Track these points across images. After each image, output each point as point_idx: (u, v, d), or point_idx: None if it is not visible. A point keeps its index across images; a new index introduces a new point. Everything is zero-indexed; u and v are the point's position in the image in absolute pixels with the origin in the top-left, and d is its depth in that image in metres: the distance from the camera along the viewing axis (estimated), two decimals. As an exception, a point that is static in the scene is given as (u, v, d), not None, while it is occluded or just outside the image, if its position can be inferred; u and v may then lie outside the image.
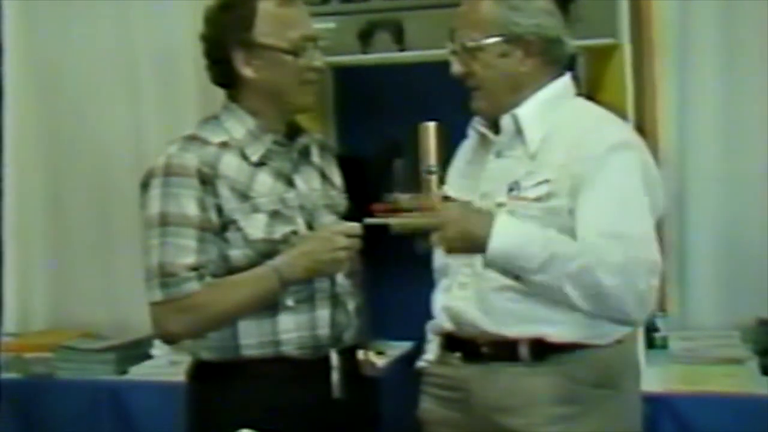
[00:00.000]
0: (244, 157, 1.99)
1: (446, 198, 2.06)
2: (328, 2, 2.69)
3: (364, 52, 2.86)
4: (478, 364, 1.93)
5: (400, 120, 2.88)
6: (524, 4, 1.90)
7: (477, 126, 2.03)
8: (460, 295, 1.96)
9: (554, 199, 1.84)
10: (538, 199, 1.85)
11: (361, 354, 2.11)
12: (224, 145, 1.99)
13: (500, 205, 1.88)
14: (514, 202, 1.87)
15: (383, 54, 2.84)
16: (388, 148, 2.95)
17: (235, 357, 1.98)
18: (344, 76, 2.91)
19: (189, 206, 1.92)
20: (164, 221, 1.93)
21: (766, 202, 2.79)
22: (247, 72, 1.99)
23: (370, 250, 2.04)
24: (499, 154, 1.96)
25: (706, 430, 2.40)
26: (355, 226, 1.98)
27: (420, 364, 2.10)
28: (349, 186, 2.20)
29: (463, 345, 1.96)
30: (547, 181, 1.85)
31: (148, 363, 2.97)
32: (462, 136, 2.11)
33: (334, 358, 2.03)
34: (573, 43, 1.98)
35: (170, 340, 2.08)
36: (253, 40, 1.97)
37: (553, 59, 1.94)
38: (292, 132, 2.08)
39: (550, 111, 1.92)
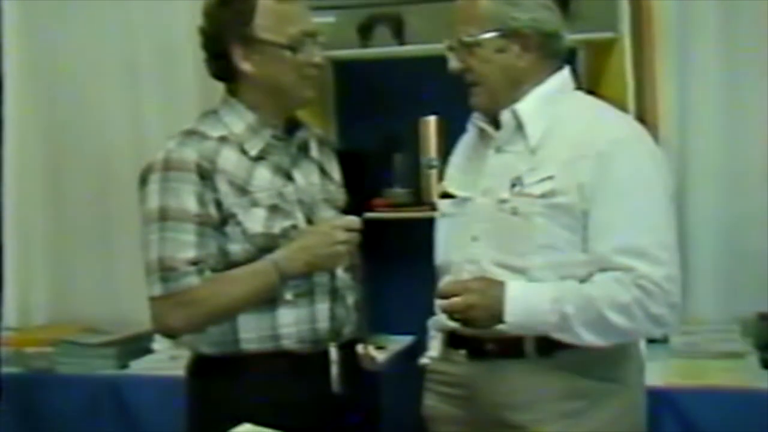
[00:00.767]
0: (243, 151, 1.98)
1: (446, 195, 2.05)
2: (327, -5, 2.68)
3: (364, 46, 2.87)
4: (483, 361, 1.93)
5: (400, 114, 2.89)
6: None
7: (476, 121, 2.01)
8: None
9: (560, 197, 1.82)
10: (542, 196, 1.83)
11: (360, 348, 2.11)
12: (223, 139, 1.98)
13: (503, 201, 1.88)
14: (517, 198, 1.86)
15: (383, 48, 2.85)
16: (388, 142, 2.95)
17: (235, 351, 1.98)
18: (344, 70, 2.90)
19: (188, 201, 1.92)
20: (163, 216, 1.92)
21: (766, 197, 2.79)
22: (246, 67, 1.98)
23: (369, 245, 2.04)
24: (499, 150, 1.95)
25: (707, 423, 2.40)
26: (354, 220, 1.97)
27: (423, 360, 2.10)
28: (348, 180, 2.19)
29: (468, 342, 1.95)
30: (550, 177, 1.84)
31: (148, 357, 2.97)
32: (462, 130, 2.10)
33: (334, 352, 2.02)
34: (572, 37, 1.98)
35: (170, 334, 2.08)
36: (252, 35, 1.96)
37: (551, 53, 1.93)
38: (291, 126, 2.07)
39: (550, 105, 1.91)
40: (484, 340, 1.90)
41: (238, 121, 2.01)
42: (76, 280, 3.32)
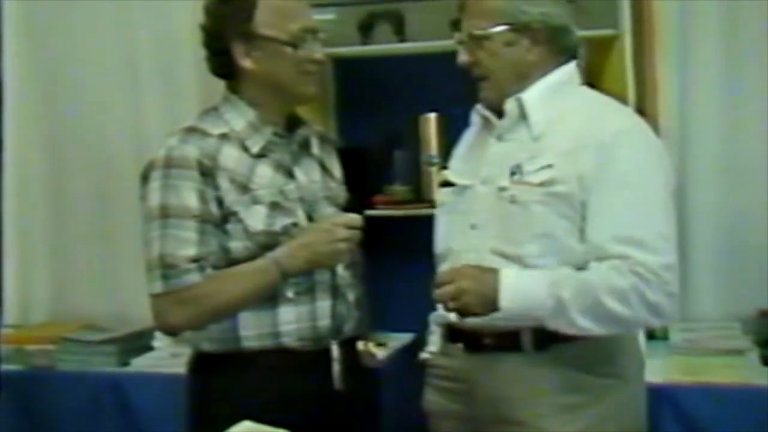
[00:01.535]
0: (245, 148, 1.98)
1: (446, 183, 2.05)
2: (328, -7, 2.68)
3: (365, 44, 2.86)
4: (480, 354, 1.92)
5: (401, 111, 2.88)
6: None
7: (480, 110, 2.01)
8: None
9: (558, 185, 1.82)
10: (541, 184, 1.83)
11: (361, 345, 2.10)
12: (224, 136, 1.98)
13: (502, 189, 1.87)
14: (516, 186, 1.86)
15: (383, 45, 2.84)
16: (388, 139, 2.94)
17: (236, 349, 1.98)
18: (344, 67, 2.90)
19: (189, 198, 1.91)
20: (165, 213, 1.92)
21: (766, 193, 2.78)
22: (247, 63, 1.97)
23: (370, 242, 2.03)
24: (500, 138, 1.95)
25: (707, 420, 2.40)
26: (355, 218, 1.97)
27: (423, 355, 2.10)
28: (349, 177, 2.18)
29: (465, 336, 1.95)
30: (549, 166, 1.84)
31: (149, 355, 2.97)
32: (462, 127, 2.10)
33: (335, 349, 2.02)
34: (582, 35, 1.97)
35: (171, 331, 2.07)
36: (252, 32, 1.95)
37: (560, 48, 1.93)
38: (292, 124, 2.07)
39: (555, 97, 1.91)
40: (482, 334, 1.90)
41: (239, 118, 2.00)
42: (76, 278, 3.32)
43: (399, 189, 2.96)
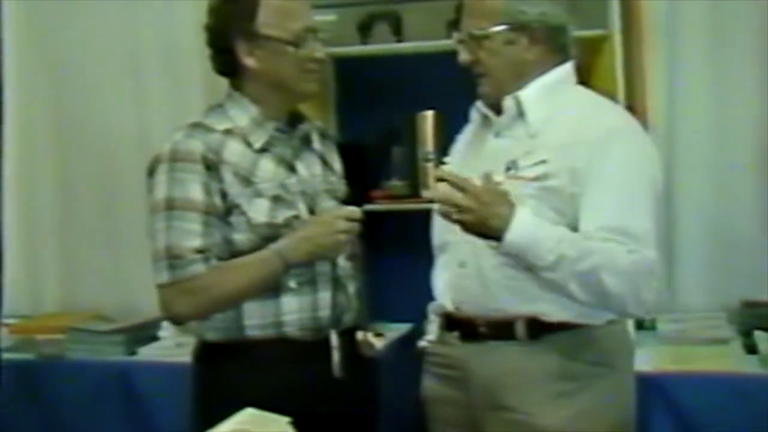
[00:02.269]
0: (248, 143, 1.97)
1: (441, 179, 2.04)
2: (328, -6, 2.67)
3: (364, 43, 2.86)
4: (475, 343, 1.92)
5: (398, 109, 2.87)
6: None
7: (479, 108, 2.01)
8: (459, 272, 1.94)
9: (552, 180, 1.82)
10: (535, 179, 1.83)
11: (360, 335, 2.09)
12: (228, 132, 1.97)
13: (497, 183, 1.85)
14: (511, 181, 1.85)
15: (382, 45, 2.84)
16: (387, 136, 2.93)
17: (239, 338, 1.97)
18: (344, 66, 2.89)
19: (194, 191, 1.91)
20: (170, 206, 1.91)
21: (752, 188, 2.79)
22: (250, 62, 1.97)
23: (369, 235, 2.03)
24: (498, 135, 1.95)
25: (694, 407, 2.40)
26: (355, 211, 1.96)
27: (421, 343, 2.09)
28: (348, 172, 2.18)
29: (461, 325, 1.94)
30: (544, 161, 1.83)
31: (155, 344, 2.96)
32: (458, 124, 2.10)
33: (335, 339, 2.01)
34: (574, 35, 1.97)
35: (177, 320, 2.06)
36: (255, 31, 1.95)
37: (558, 47, 1.93)
38: (294, 119, 2.06)
39: (552, 95, 1.91)
40: (477, 323, 1.90)
41: (242, 114, 1.99)
42: (85, 270, 3.32)
43: (397, 184, 2.94)
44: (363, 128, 2.93)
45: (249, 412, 1.71)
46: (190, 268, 1.91)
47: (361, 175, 2.37)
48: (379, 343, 2.14)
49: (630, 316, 1.90)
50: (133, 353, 2.92)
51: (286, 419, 1.68)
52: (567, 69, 1.96)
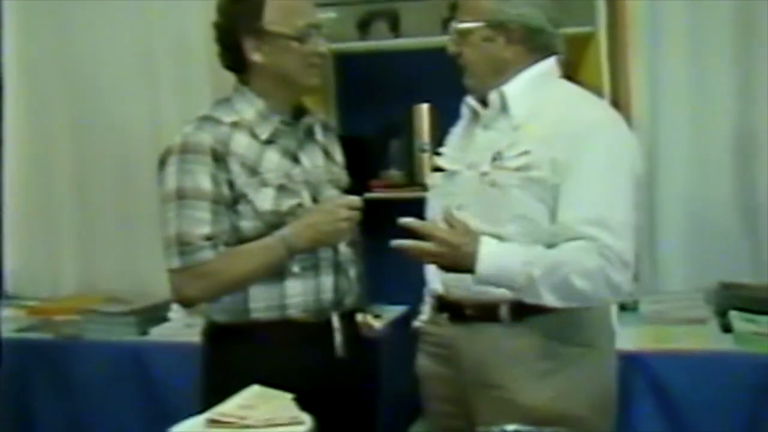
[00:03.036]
0: (254, 135, 1.96)
1: (438, 169, 2.04)
2: (329, -8, 2.65)
3: (363, 40, 2.84)
4: (463, 324, 1.91)
5: (396, 102, 2.87)
6: None
7: (468, 101, 2.00)
8: None
9: (534, 170, 1.80)
10: (518, 169, 1.81)
11: (360, 317, 2.09)
12: (235, 124, 1.96)
13: (484, 173, 1.86)
14: (496, 171, 1.84)
15: (380, 41, 2.82)
16: (385, 129, 2.92)
17: (246, 319, 1.96)
18: (344, 61, 2.87)
19: (203, 181, 1.90)
20: (181, 195, 1.91)
21: (729, 178, 2.78)
22: (257, 57, 1.96)
23: (368, 223, 2.02)
24: (486, 127, 1.93)
25: (674, 383, 2.39)
26: (356, 200, 1.95)
27: (416, 323, 2.09)
28: (348, 163, 2.16)
29: (451, 307, 1.94)
30: (527, 152, 1.81)
31: (166, 325, 2.94)
32: (452, 117, 2.08)
33: (336, 321, 2.01)
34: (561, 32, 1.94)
35: (187, 303, 2.05)
36: (262, 28, 1.94)
37: (536, 47, 1.90)
38: (298, 113, 2.05)
39: (535, 89, 1.89)
40: (464, 305, 1.89)
41: (248, 107, 1.98)
42: (100, 256, 3.31)
43: (394, 174, 2.94)
44: (362, 121, 2.91)
45: (255, 388, 1.71)
46: (199, 254, 1.90)
47: (361, 165, 2.36)
48: (378, 325, 2.13)
49: (614, 302, 1.89)
50: (144, 333, 2.91)
51: (289, 395, 1.68)
52: (551, 64, 1.93)
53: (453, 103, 2.05)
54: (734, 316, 2.54)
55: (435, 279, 2.00)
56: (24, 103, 3.28)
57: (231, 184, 1.92)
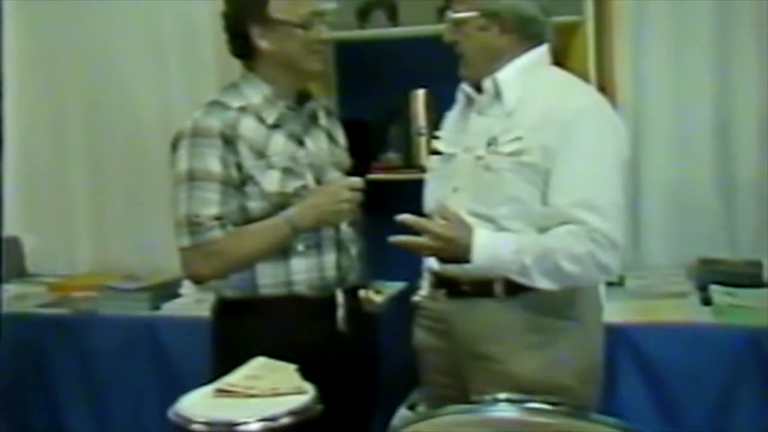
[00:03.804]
0: (261, 120, 1.94)
1: (435, 152, 2.01)
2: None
3: (362, 28, 2.82)
4: (459, 299, 1.90)
5: (394, 88, 2.83)
6: None
7: (464, 88, 1.97)
8: None
9: (526, 155, 1.78)
10: (511, 154, 1.79)
11: (362, 293, 2.07)
12: (243, 109, 1.94)
13: (479, 157, 1.84)
14: (490, 155, 1.82)
15: (378, 30, 2.80)
16: (385, 115, 2.90)
17: (254, 295, 1.95)
18: (344, 49, 2.83)
19: (213, 163, 1.89)
20: (191, 177, 1.89)
21: (708, 159, 2.77)
22: (263, 44, 1.94)
23: (368, 203, 2.00)
24: (480, 113, 1.90)
25: (657, 353, 2.38)
26: (357, 181, 1.94)
27: (414, 299, 2.07)
28: (352, 146, 2.14)
29: (447, 283, 1.92)
30: (519, 138, 1.79)
31: (177, 301, 2.92)
32: (447, 102, 2.05)
33: (340, 296, 1.99)
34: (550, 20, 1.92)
35: (197, 280, 2.04)
36: (268, 16, 1.92)
37: (528, 35, 1.87)
38: (302, 98, 2.03)
39: (527, 76, 1.86)
40: (461, 281, 1.87)
41: (255, 93, 1.96)
42: (115, 235, 3.29)
43: (392, 157, 2.91)
44: (361, 106, 2.88)
45: (260, 360, 1.71)
46: (208, 233, 1.89)
47: (364, 148, 2.34)
48: (378, 300, 2.11)
49: (602, 281, 1.89)
50: (157, 309, 2.89)
51: (293, 366, 1.67)
52: (542, 52, 1.90)
53: (448, 89, 2.02)
54: (713, 290, 2.54)
55: (430, 257, 1.98)
56: (40, 89, 3.25)
57: (239, 167, 1.90)
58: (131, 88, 3.18)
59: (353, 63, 2.90)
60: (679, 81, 2.76)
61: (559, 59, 2.00)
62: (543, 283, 1.75)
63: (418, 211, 2.01)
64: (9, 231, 3.21)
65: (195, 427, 1.51)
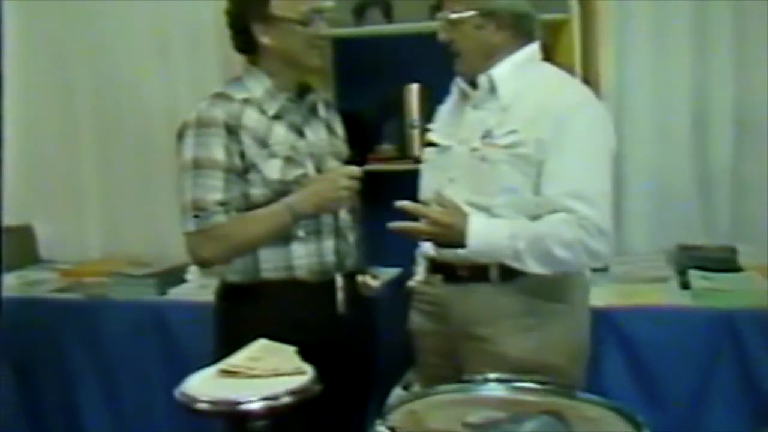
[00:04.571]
0: (263, 111, 1.93)
1: (430, 144, 1.99)
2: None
3: (358, 25, 2.80)
4: (455, 284, 1.88)
5: (388, 82, 2.82)
6: None
7: (459, 83, 1.95)
8: None
9: (521, 148, 1.77)
10: (506, 147, 1.78)
11: (359, 278, 2.05)
12: (246, 101, 1.93)
13: (475, 149, 1.82)
14: (486, 147, 1.80)
15: (374, 27, 2.78)
16: (378, 107, 2.88)
17: (256, 279, 1.94)
18: (341, 45, 2.81)
19: (217, 152, 1.87)
20: (196, 165, 1.88)
21: (687, 149, 2.75)
22: (265, 40, 1.92)
23: (366, 192, 1.99)
24: (475, 107, 1.88)
25: (639, 335, 2.37)
26: (355, 170, 1.93)
27: (410, 283, 2.05)
28: (350, 137, 2.13)
29: (444, 268, 1.90)
30: (514, 131, 1.78)
31: (183, 286, 2.90)
32: (440, 96, 2.03)
33: (339, 281, 1.98)
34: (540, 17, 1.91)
35: (202, 264, 2.03)
36: (269, 13, 1.90)
37: (522, 32, 1.86)
38: (303, 91, 2.02)
39: (521, 72, 1.85)
40: (457, 266, 1.86)
41: (258, 86, 1.95)
42: (124, 223, 3.27)
43: (387, 148, 2.89)
44: (358, 99, 2.86)
45: (261, 342, 1.69)
46: (213, 218, 1.87)
47: (362, 138, 2.32)
48: (375, 284, 2.10)
49: (593, 267, 1.89)
50: (164, 293, 2.87)
51: (293, 348, 1.65)
52: (534, 48, 1.89)
53: (441, 83, 2.00)
54: (692, 274, 2.53)
55: (426, 243, 1.95)
56: (50, 81, 3.22)
57: (242, 155, 1.89)
58: (139, 81, 3.14)
59: (350, 58, 2.88)
60: (659, 75, 2.74)
61: (548, 54, 1.99)
62: (535, 267, 1.74)
63: (412, 199, 1.99)
64: (22, 219, 3.23)
65: (200, 405, 1.51)
